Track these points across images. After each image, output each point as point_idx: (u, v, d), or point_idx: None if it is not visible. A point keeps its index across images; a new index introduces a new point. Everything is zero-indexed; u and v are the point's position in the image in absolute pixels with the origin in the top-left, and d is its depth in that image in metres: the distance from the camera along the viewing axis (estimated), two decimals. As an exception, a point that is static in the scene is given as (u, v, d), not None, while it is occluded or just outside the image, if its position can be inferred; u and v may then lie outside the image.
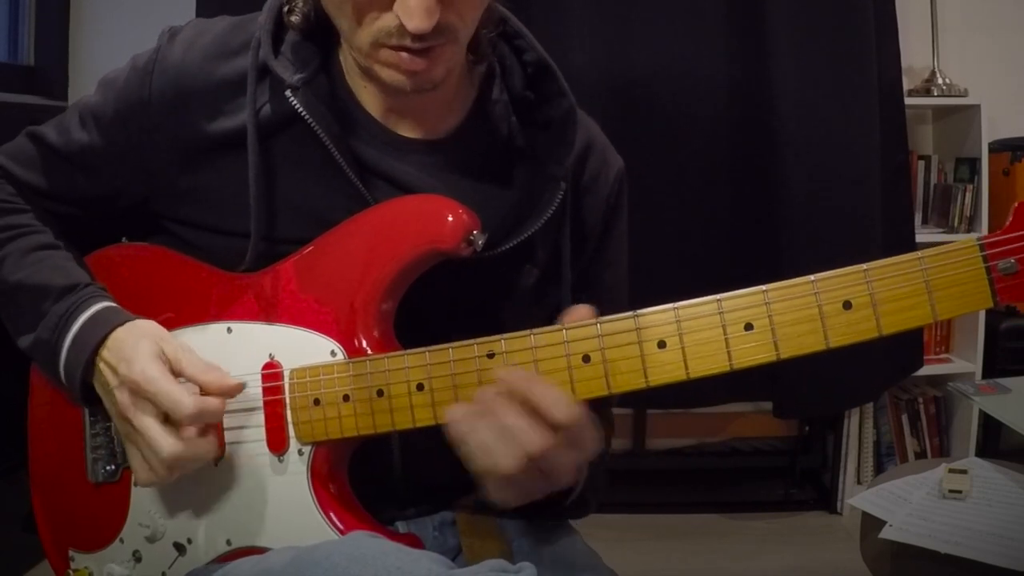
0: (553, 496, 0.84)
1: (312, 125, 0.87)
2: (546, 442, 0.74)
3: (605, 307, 0.93)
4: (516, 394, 0.74)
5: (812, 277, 0.72)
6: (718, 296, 0.74)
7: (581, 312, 0.78)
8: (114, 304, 0.90)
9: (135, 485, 0.92)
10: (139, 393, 0.82)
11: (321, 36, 0.91)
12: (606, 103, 2.20)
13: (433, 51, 0.82)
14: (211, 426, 0.84)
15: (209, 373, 0.84)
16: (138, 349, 0.83)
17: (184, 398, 0.81)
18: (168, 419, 0.82)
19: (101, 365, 0.86)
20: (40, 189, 0.98)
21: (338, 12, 0.84)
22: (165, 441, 0.81)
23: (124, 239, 1.01)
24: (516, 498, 0.80)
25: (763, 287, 0.73)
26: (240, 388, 0.85)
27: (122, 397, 0.84)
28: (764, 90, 2.25)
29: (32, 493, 1.01)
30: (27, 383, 1.02)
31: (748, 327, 0.73)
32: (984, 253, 0.69)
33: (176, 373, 0.84)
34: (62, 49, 2.57)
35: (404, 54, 0.82)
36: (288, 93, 0.87)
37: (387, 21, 0.80)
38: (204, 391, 0.83)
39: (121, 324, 0.87)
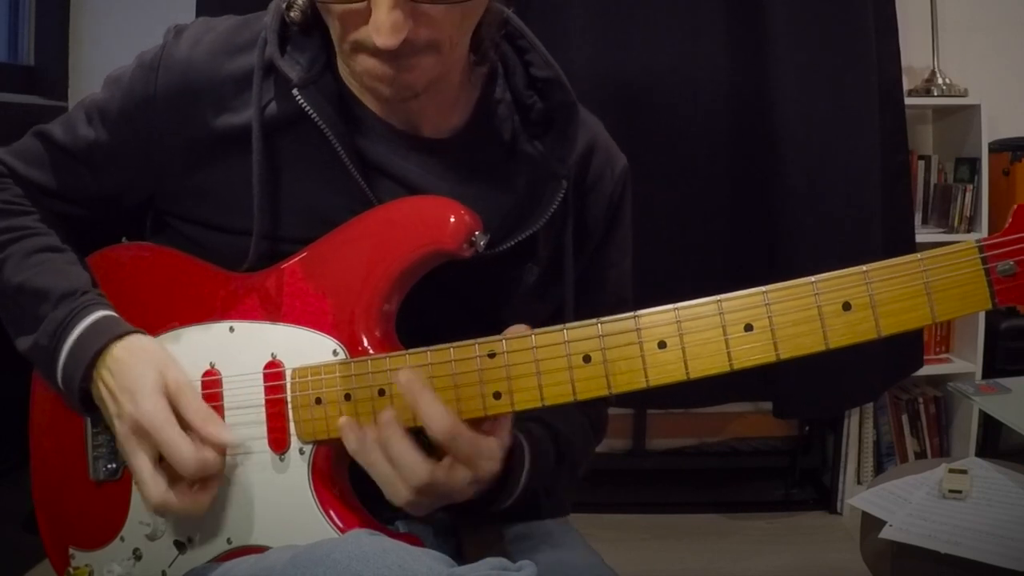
0: (480, 500, 0.86)
1: (318, 123, 0.87)
2: (428, 476, 0.78)
3: (609, 305, 0.94)
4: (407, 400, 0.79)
5: (812, 278, 0.72)
6: (718, 297, 0.74)
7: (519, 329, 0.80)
8: (113, 313, 0.90)
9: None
10: (141, 434, 0.83)
11: (322, 34, 0.91)
12: (605, 103, 2.20)
13: (407, 61, 0.82)
14: (208, 479, 0.84)
15: (207, 424, 0.84)
16: (143, 380, 0.84)
17: (188, 454, 0.81)
18: (163, 460, 0.83)
19: (100, 384, 0.86)
20: (47, 188, 0.98)
21: (326, 18, 0.84)
22: (155, 490, 0.82)
23: (124, 239, 1.02)
24: (419, 512, 0.83)
25: (763, 288, 0.73)
26: (235, 444, 0.86)
27: (121, 429, 0.84)
28: (763, 90, 2.26)
29: (33, 491, 1.01)
30: (27, 383, 1.02)
31: (748, 328, 0.73)
32: (983, 255, 0.69)
33: (174, 409, 0.84)
34: (62, 49, 2.57)
35: (381, 63, 0.81)
36: (295, 91, 0.87)
37: (364, 33, 0.80)
38: (200, 441, 0.83)
39: (119, 337, 0.87)
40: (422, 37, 0.80)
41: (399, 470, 0.79)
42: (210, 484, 0.84)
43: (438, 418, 0.78)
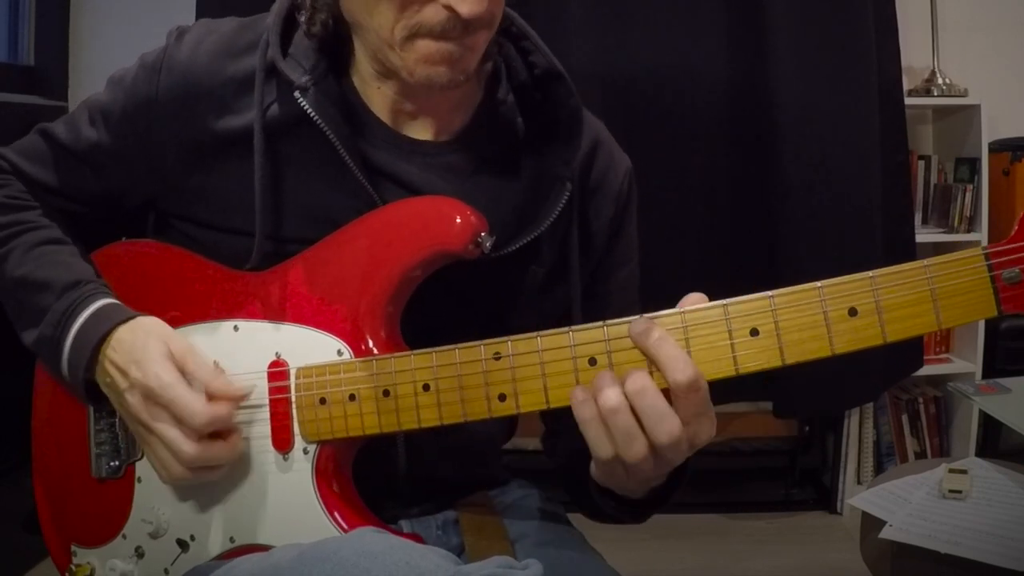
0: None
1: (321, 126, 0.87)
2: (678, 430, 0.73)
3: (617, 306, 0.93)
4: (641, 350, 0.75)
5: (818, 284, 0.73)
6: (724, 301, 0.74)
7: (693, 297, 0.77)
8: (116, 301, 0.91)
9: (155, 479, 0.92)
10: (152, 398, 0.83)
11: (331, 42, 0.91)
12: (605, 102, 2.20)
13: (471, 38, 0.83)
14: (229, 430, 0.84)
15: (217, 379, 0.85)
16: (148, 350, 0.84)
17: (197, 407, 0.81)
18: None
19: (107, 365, 0.86)
20: (50, 186, 0.98)
21: (370, 9, 0.83)
22: (187, 446, 0.82)
23: (124, 239, 1.02)
24: (635, 486, 0.80)
25: (769, 293, 0.73)
26: (246, 395, 0.86)
27: (134, 400, 0.84)
28: (764, 90, 2.26)
29: (35, 488, 1.01)
30: (28, 383, 1.02)
31: (754, 332, 0.73)
32: (989, 263, 0.69)
33: (182, 373, 0.84)
34: (62, 49, 2.57)
35: (444, 44, 0.83)
36: (297, 94, 0.87)
37: (430, 14, 0.81)
38: (211, 396, 0.83)
39: (123, 322, 0.88)
40: (487, 9, 0.82)
41: (647, 422, 0.73)
42: (228, 434, 0.84)
43: (684, 365, 0.73)
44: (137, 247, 0.99)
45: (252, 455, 0.87)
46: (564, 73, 0.95)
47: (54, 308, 0.90)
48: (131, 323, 0.88)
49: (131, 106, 0.93)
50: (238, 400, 0.85)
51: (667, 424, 0.73)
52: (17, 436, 1.04)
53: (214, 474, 0.85)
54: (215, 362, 0.89)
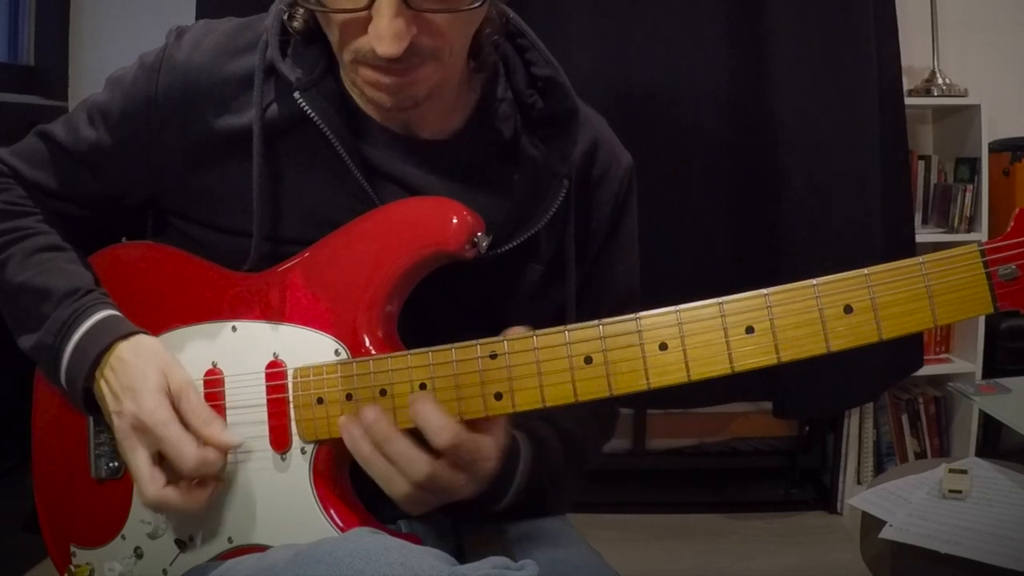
0: (476, 500, 0.86)
1: (320, 126, 0.88)
2: (429, 470, 0.79)
3: (618, 301, 0.93)
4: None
5: (813, 281, 0.73)
6: (720, 299, 0.74)
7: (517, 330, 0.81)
8: (116, 312, 0.91)
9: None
10: (142, 431, 0.83)
11: (323, 40, 0.91)
12: (606, 105, 2.18)
13: (410, 71, 0.81)
14: (207, 478, 0.85)
15: (209, 426, 0.84)
16: (146, 380, 0.84)
17: (189, 451, 0.81)
18: (163, 458, 0.84)
19: (102, 383, 0.87)
20: (49, 188, 0.98)
21: (326, 28, 0.84)
22: (153, 486, 0.83)
23: (124, 239, 1.02)
24: (416, 510, 0.83)
25: (764, 290, 0.73)
26: (236, 445, 0.86)
27: (121, 425, 0.84)
28: (764, 90, 2.26)
29: (35, 488, 1.02)
30: (28, 384, 1.02)
31: (749, 330, 0.73)
32: (985, 259, 0.69)
33: (176, 411, 0.84)
34: (62, 49, 2.58)
35: (382, 75, 0.81)
36: (296, 94, 0.87)
37: (364, 43, 0.80)
38: (202, 442, 0.84)
39: (123, 337, 0.87)
40: (424, 45, 0.80)
41: (398, 465, 0.79)
42: (209, 482, 0.85)
43: (441, 430, 0.78)
44: (136, 248, 0.99)
45: (250, 455, 0.87)
46: (560, 70, 0.95)
47: (54, 316, 0.89)
48: (133, 341, 0.88)
49: (130, 106, 0.93)
50: (227, 448, 0.85)
51: (416, 466, 0.79)
52: (17, 436, 1.04)
53: (179, 511, 0.85)
54: (216, 368, 0.89)
